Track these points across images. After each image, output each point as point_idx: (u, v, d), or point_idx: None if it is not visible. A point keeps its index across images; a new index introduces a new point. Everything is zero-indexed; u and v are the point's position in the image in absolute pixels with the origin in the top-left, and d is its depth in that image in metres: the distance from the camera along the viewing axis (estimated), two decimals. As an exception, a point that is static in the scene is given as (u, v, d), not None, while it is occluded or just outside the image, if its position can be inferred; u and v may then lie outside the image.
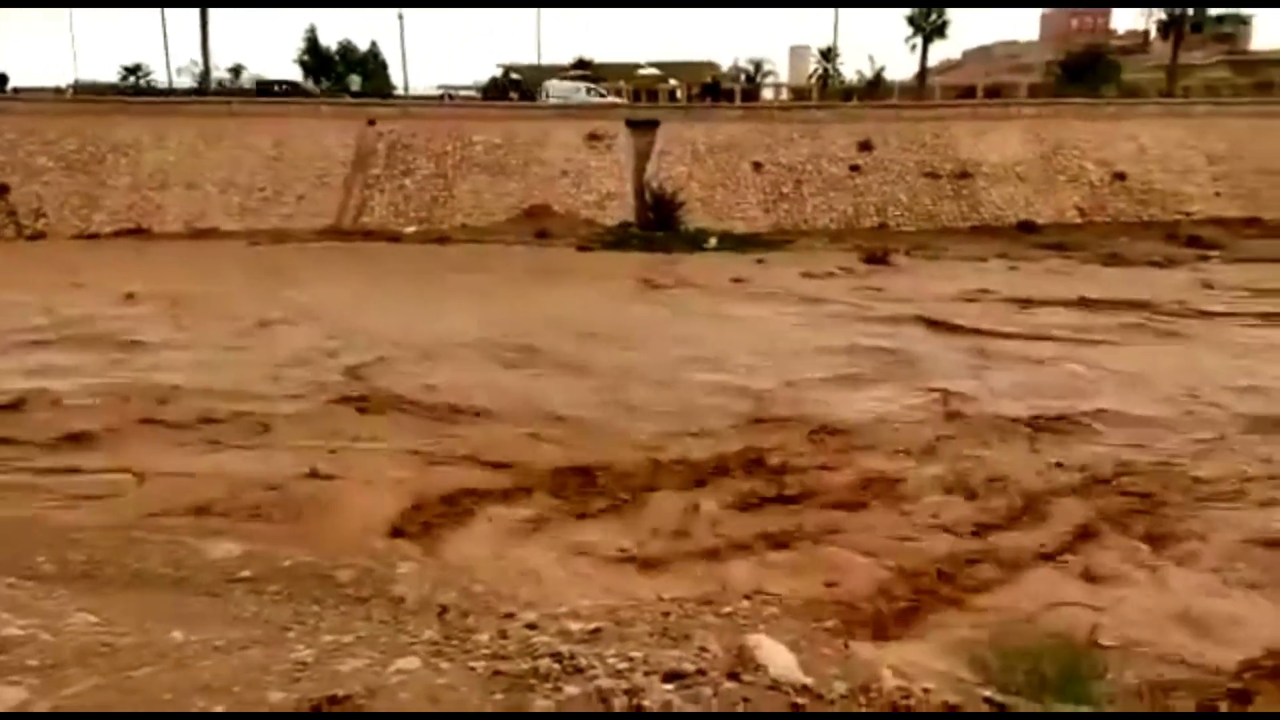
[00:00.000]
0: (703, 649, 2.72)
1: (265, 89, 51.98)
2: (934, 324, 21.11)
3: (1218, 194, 39.94)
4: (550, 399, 13.66)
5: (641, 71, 55.89)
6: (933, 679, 3.43)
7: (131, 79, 59.75)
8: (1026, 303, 23.82)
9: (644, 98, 50.19)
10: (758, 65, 54.22)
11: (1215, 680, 3.42)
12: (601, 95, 49.13)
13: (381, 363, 16.08)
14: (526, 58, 64.73)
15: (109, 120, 41.13)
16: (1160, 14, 55.57)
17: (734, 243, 35.48)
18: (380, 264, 31.10)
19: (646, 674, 2.53)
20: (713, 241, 35.74)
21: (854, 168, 40.61)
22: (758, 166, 41.04)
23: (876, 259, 31.65)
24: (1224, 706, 3.15)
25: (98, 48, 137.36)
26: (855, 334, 20.09)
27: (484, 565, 8.46)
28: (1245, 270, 28.55)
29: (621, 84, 52.31)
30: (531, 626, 3.16)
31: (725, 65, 60.97)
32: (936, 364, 16.82)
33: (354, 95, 51.94)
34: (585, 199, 40.04)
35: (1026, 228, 37.56)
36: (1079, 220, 38.81)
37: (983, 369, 16.41)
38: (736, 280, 27.87)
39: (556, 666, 2.64)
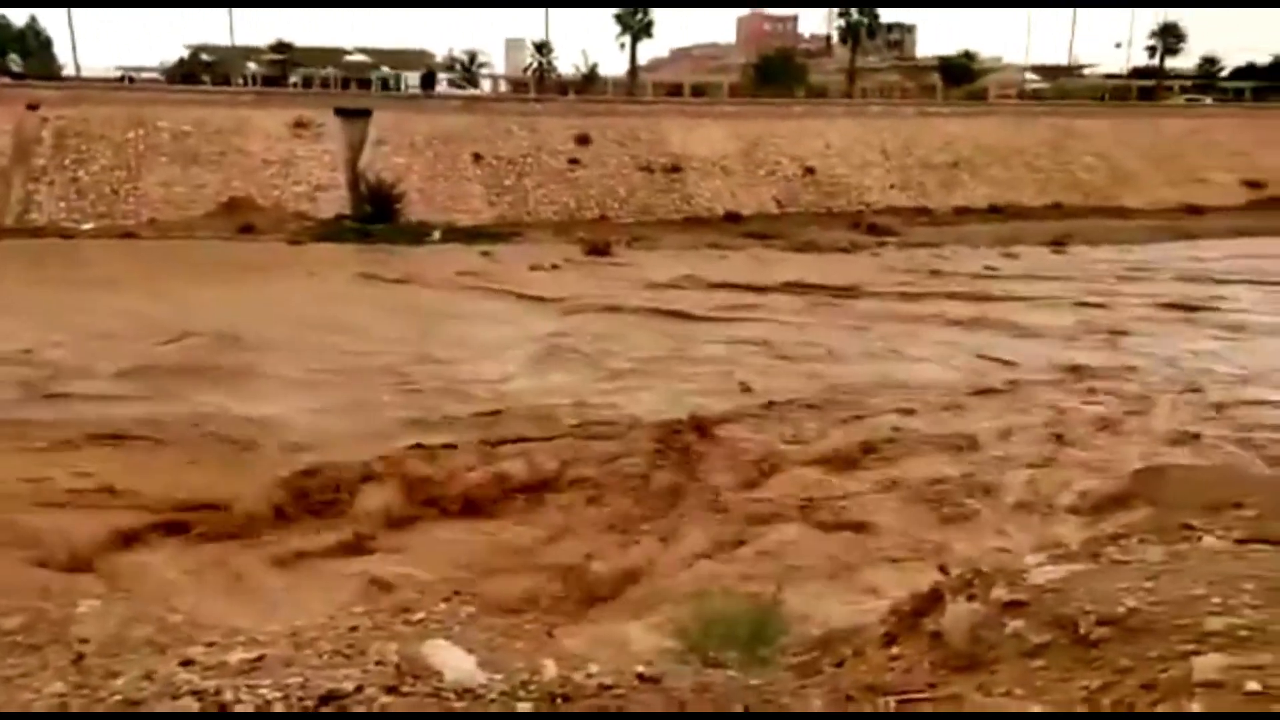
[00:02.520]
0: (378, 662, 2.58)
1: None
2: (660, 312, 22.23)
3: (892, 186, 44.59)
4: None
5: (349, 58, 53.45)
6: (619, 657, 3.51)
7: None
8: (733, 287, 25.64)
9: (354, 85, 48.08)
10: (472, 56, 53.56)
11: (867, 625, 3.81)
12: (463, 87, 49.31)
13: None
14: (217, 38, 59.93)
15: None
16: (840, 20, 61.23)
17: (459, 235, 34.98)
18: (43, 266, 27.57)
19: (300, 700, 2.36)
20: (436, 235, 35.01)
21: (573, 161, 41.27)
22: (478, 158, 40.61)
23: (598, 250, 32.53)
24: (870, 651, 3.48)
25: None
26: (568, 325, 20.70)
27: (184, 594, 7.74)
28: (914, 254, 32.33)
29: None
30: (187, 663, 2.86)
31: (439, 55, 59.79)
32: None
33: (15, 77, 45.54)
34: (294, 190, 37.71)
35: (733, 218, 39.99)
36: (777, 211, 41.85)
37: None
38: (462, 274, 27.60)
39: (196, 705, 2.40)
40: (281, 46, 52.78)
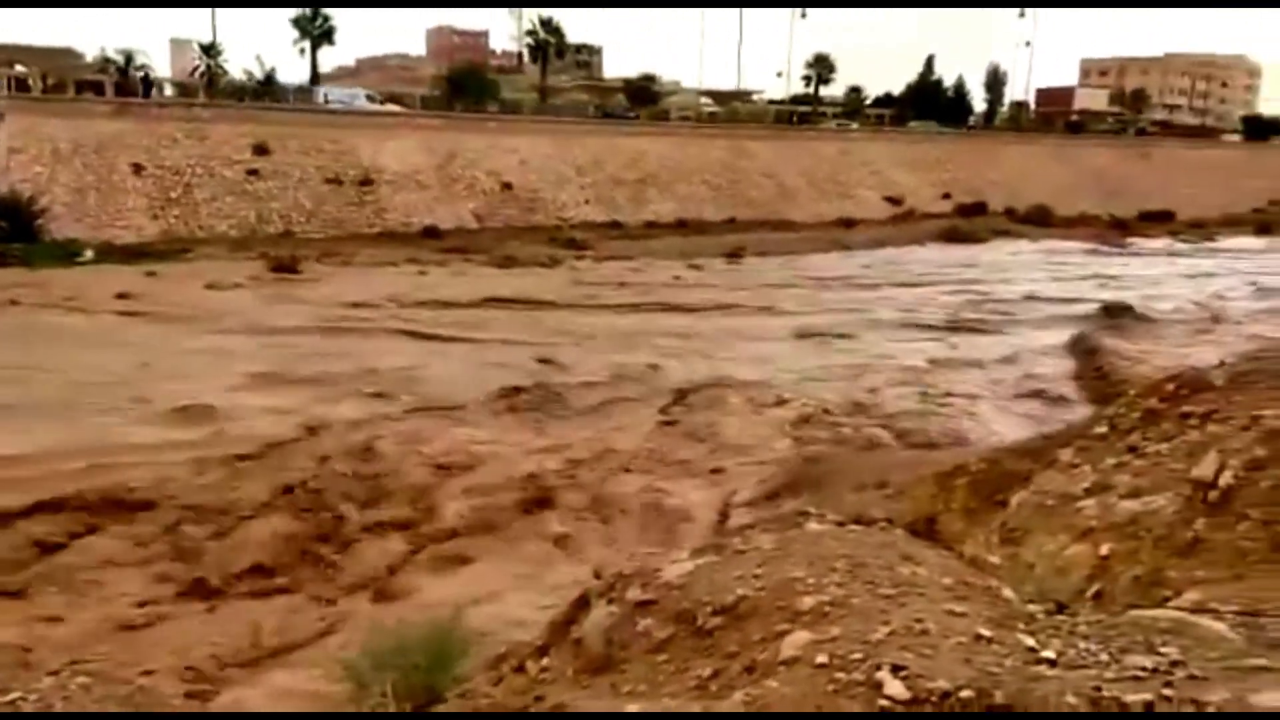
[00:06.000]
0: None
1: None
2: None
3: (587, 201, 46.00)
4: None
5: (-28, 54, 46.37)
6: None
7: None
8: (439, 304, 25.23)
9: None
10: (129, 56, 48.28)
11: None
12: (381, 103, 48.52)
13: None
14: None
15: None
16: (529, 39, 62.54)
17: (117, 254, 31.55)
18: None
19: None
20: (89, 253, 31.32)
21: (251, 172, 38.61)
22: (138, 169, 36.82)
23: (285, 267, 30.72)
24: (529, 664, 3.51)
25: None
26: (251, 349, 19.35)
27: None
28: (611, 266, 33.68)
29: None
30: None
31: (90, 54, 53.47)
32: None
33: None
34: (-97, 205, 32.10)
35: (431, 233, 39.30)
36: (477, 226, 41.73)
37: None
38: (122, 296, 24.84)
39: None
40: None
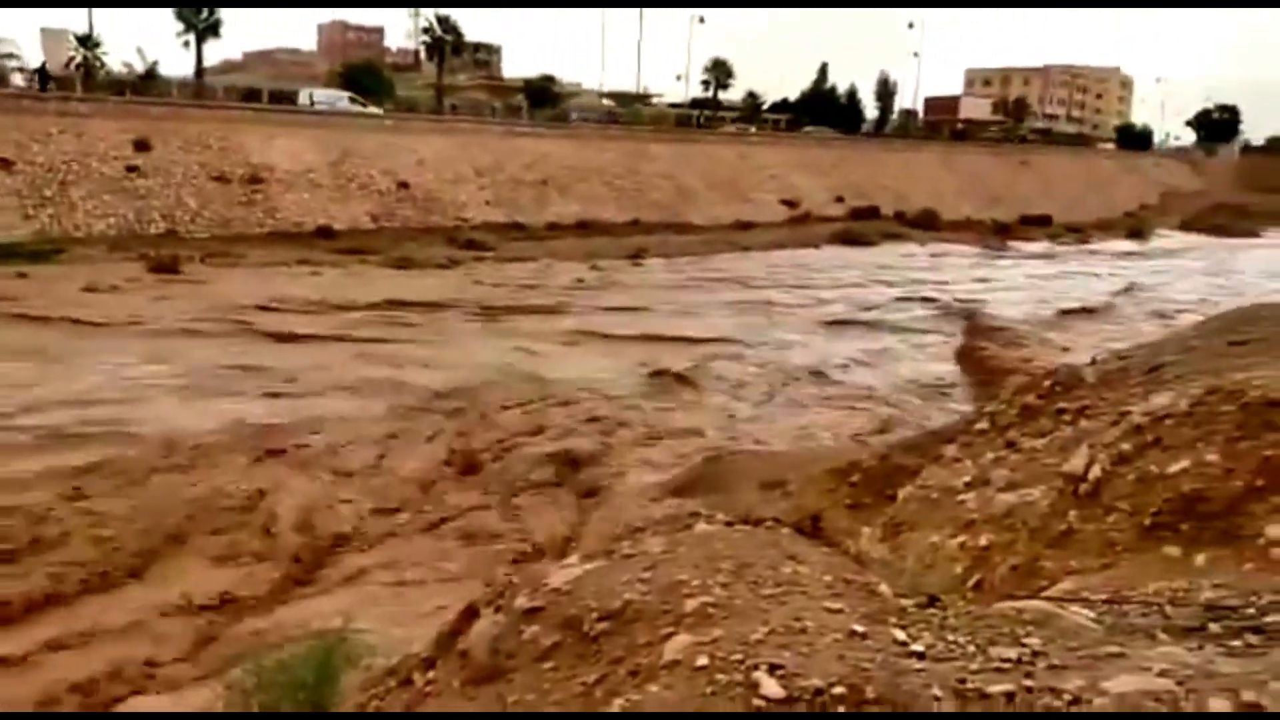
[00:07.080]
0: None
1: None
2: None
3: (487, 202, 45.44)
4: None
5: None
6: None
7: None
8: (335, 307, 24.64)
9: None
10: (-13, 43, 45.50)
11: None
12: (363, 105, 49.09)
13: None
14: None
15: None
16: (426, 37, 61.56)
17: (-16, 254, 29.76)
18: None
19: None
20: (-49, 254, 29.48)
21: (131, 168, 36.82)
22: (8, 165, 34.72)
23: (166, 268, 29.57)
24: (416, 678, 3.44)
25: None
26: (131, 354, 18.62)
27: None
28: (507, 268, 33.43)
29: None
30: None
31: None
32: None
33: None
34: None
35: (324, 233, 38.23)
36: (373, 226, 40.75)
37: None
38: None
39: None
40: None
